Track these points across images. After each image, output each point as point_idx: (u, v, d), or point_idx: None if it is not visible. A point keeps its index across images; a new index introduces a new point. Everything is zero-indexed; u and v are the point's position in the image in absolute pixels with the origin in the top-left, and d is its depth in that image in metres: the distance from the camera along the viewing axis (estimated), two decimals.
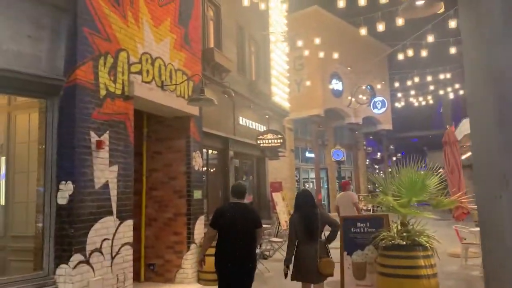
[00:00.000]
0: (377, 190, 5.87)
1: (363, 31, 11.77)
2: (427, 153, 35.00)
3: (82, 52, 5.15)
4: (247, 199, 5.19)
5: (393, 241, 5.00)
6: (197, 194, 7.61)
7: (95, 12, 5.40)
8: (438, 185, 5.05)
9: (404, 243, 4.90)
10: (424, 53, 14.72)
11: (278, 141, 11.35)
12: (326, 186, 24.69)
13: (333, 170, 25.21)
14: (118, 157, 5.65)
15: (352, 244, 5.93)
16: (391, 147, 30.46)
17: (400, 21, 11.20)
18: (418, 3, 4.88)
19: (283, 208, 12.95)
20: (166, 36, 6.98)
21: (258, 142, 11.51)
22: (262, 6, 11.15)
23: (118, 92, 5.75)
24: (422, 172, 4.99)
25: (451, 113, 31.19)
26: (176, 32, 7.30)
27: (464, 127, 14.73)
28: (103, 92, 5.45)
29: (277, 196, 12.94)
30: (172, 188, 7.56)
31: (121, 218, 5.64)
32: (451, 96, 23.52)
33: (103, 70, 5.48)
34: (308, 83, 19.17)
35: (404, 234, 4.95)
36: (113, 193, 5.51)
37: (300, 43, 16.77)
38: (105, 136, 5.42)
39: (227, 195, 10.81)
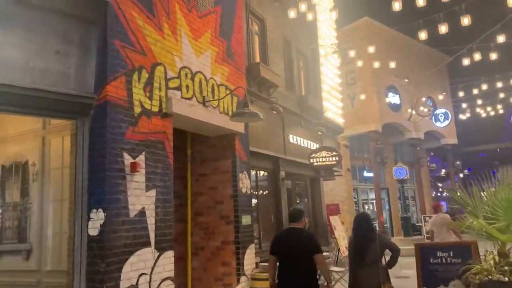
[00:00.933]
0: (460, 211, 4.80)
1: (422, 35, 10.69)
2: (499, 168, 32.02)
3: (113, 67, 4.72)
4: (302, 224, 4.64)
5: (490, 277, 3.92)
6: (246, 220, 6.89)
7: (127, 24, 4.98)
8: None
9: (506, 279, 3.81)
10: (493, 56, 13.25)
11: (334, 158, 10.40)
12: (387, 208, 22.98)
13: (395, 189, 23.50)
14: (156, 181, 5.10)
15: (433, 278, 4.89)
16: (458, 162, 28.05)
17: (466, 21, 10.02)
18: None
19: (342, 233, 11.84)
20: (206, 49, 6.48)
21: (311, 161, 10.64)
22: (310, 16, 10.51)
23: (155, 109, 5.25)
24: None
25: None
26: (218, 45, 6.79)
27: None
28: (137, 110, 4.97)
29: (334, 220, 11.87)
30: (219, 213, 6.91)
31: (161, 249, 5.03)
32: None
33: (137, 86, 5.02)
34: (362, 96, 18.07)
35: (506, 267, 3.86)
36: (151, 221, 4.94)
37: (351, 55, 15.94)
38: (141, 158, 4.90)
39: (279, 220, 9.99)
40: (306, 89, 12.67)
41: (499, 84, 17.50)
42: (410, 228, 17.94)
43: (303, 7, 9.73)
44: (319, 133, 11.71)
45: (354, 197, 21.28)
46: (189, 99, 5.92)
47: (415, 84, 22.16)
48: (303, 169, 11.51)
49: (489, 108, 22.15)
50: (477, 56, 13.08)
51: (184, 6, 6.11)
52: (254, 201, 9.35)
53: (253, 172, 9.40)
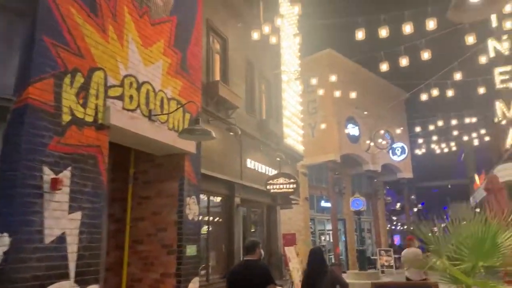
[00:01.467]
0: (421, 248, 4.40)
1: (384, 66, 10.68)
2: (450, 204, 32.84)
3: (40, 66, 4.05)
4: (257, 255, 4.53)
5: None
6: (191, 250, 6.19)
7: (63, 20, 4.36)
8: None
9: None
10: (449, 93, 13.55)
11: (291, 186, 9.95)
12: (344, 239, 22.73)
13: (351, 221, 23.37)
14: (83, 202, 4.37)
15: None
16: (412, 197, 28.52)
17: (426, 55, 10.11)
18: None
19: (296, 265, 11.30)
20: (157, 59, 5.93)
21: (268, 187, 10.14)
22: (273, 40, 10.25)
23: (89, 119, 4.58)
24: (491, 225, 3.56)
25: (475, 162, 29.45)
26: (171, 56, 6.26)
27: (501, 174, 13.17)
28: (66, 118, 4.29)
29: (290, 251, 11.34)
30: (161, 241, 6.17)
31: (83, 283, 4.26)
32: (476, 142, 22.02)
33: (69, 91, 4.35)
34: (323, 126, 17.99)
35: None
36: (72, 248, 4.18)
37: (314, 84, 15.86)
38: (65, 174, 4.18)
39: (231, 249, 9.33)
40: (267, 113, 12.32)
41: (454, 122, 17.98)
42: (365, 262, 17.67)
43: (266, 29, 9.46)
44: (278, 159, 11.29)
45: (311, 227, 20.89)
46: (132, 111, 5.30)
47: (374, 117, 22.51)
48: (259, 196, 10.99)
49: (443, 145, 22.76)
50: (435, 92, 13.33)
51: (135, 11, 5.57)
52: (204, 228, 8.68)
53: (205, 197, 8.78)
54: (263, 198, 11.20)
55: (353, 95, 13.54)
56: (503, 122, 17.12)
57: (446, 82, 13.68)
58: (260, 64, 12.05)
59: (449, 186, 37.76)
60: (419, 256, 7.83)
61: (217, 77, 9.40)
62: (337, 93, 13.38)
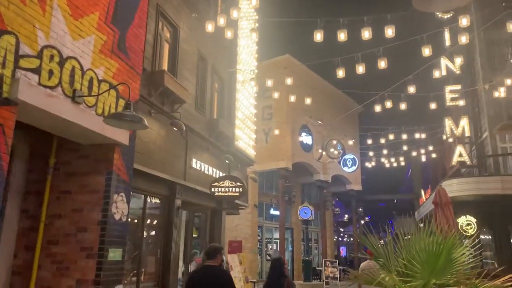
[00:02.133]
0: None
1: (340, 73, 10.43)
2: (395, 218, 33.71)
3: None
4: (218, 261, 4.39)
5: None
6: (115, 254, 5.42)
7: None
8: (470, 261, 3.23)
9: None
10: (402, 106, 13.60)
11: (237, 190, 9.38)
12: (290, 249, 22.45)
13: (299, 230, 23.19)
14: None
15: None
16: (360, 209, 28.90)
17: (382, 64, 9.98)
18: None
19: (239, 274, 10.71)
20: (89, 34, 5.17)
21: (213, 190, 9.49)
22: (229, 34, 9.69)
23: None
24: (446, 239, 3.16)
25: (422, 178, 30.40)
26: (107, 32, 5.51)
27: (447, 189, 13.33)
28: None
29: (232, 259, 10.74)
30: (80, 243, 5.35)
31: None
32: (423, 159, 22.61)
33: None
34: (277, 132, 17.63)
35: None
36: None
37: (270, 90, 15.49)
38: None
39: (168, 256, 8.57)
40: (219, 113, 11.73)
41: (404, 136, 18.24)
42: (310, 272, 17.36)
43: (221, 21, 8.89)
44: (227, 161, 10.69)
45: (259, 235, 20.41)
46: (52, 88, 4.51)
47: (328, 127, 22.57)
48: (204, 199, 10.32)
49: (392, 159, 23.17)
50: (388, 105, 13.32)
51: None
52: (138, 232, 7.89)
53: (141, 197, 8.00)
54: (207, 202, 10.53)
55: (308, 101, 13.24)
56: (450, 139, 17.59)
57: (400, 95, 13.75)
58: (214, 61, 11.45)
59: (395, 201, 38.84)
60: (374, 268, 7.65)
61: (165, 67, 8.69)
62: (292, 98, 12.99)
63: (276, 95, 12.98)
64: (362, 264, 9.01)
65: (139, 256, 7.77)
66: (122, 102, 5.69)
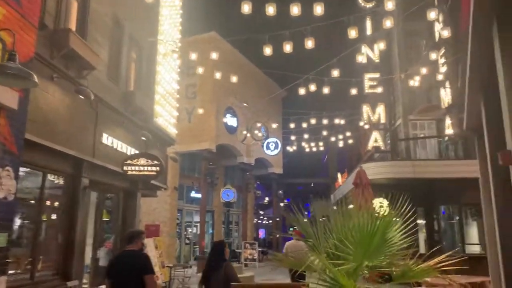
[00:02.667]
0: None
1: (267, 50, 10.04)
2: (312, 201, 35.07)
3: None
4: (138, 245, 4.35)
5: None
6: None
7: None
8: (406, 239, 2.99)
9: None
10: (325, 90, 13.68)
11: (154, 169, 8.61)
12: (210, 232, 22.08)
13: (220, 213, 22.89)
14: None
15: None
16: (280, 192, 29.42)
17: (310, 43, 9.77)
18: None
19: (154, 259, 10.00)
20: None
21: (125, 168, 8.60)
22: None
23: None
24: (382, 216, 2.88)
25: (337, 162, 31.72)
26: None
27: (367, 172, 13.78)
28: None
29: (148, 243, 9.98)
30: None
31: None
32: (341, 144, 23.45)
33: None
34: (201, 111, 16.91)
35: None
36: None
37: (194, 68, 14.73)
38: None
39: (72, 241, 7.61)
40: (136, 85, 10.73)
41: (325, 122, 18.61)
42: (230, 255, 17.12)
43: None
44: (143, 138, 9.82)
45: (178, 219, 19.71)
46: None
47: (253, 110, 22.35)
48: (117, 179, 9.38)
49: (312, 144, 23.71)
50: (312, 88, 13.27)
51: None
52: (37, 214, 6.85)
53: (39, 175, 6.93)
54: (120, 182, 9.61)
55: (234, 79, 12.70)
56: (366, 126, 18.30)
57: (323, 80, 13.81)
58: (132, 28, 10.39)
59: (312, 185, 40.31)
60: (302, 249, 7.55)
61: (72, 26, 7.56)
62: (218, 75, 12.36)
63: (200, 70, 12.24)
64: (287, 243, 8.97)
65: (35, 242, 6.74)
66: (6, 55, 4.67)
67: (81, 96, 6.79)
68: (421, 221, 14.75)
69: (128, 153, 9.63)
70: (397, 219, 2.89)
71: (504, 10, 3.55)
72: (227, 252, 4.89)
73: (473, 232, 14.78)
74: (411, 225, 2.92)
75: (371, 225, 2.79)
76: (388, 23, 9.14)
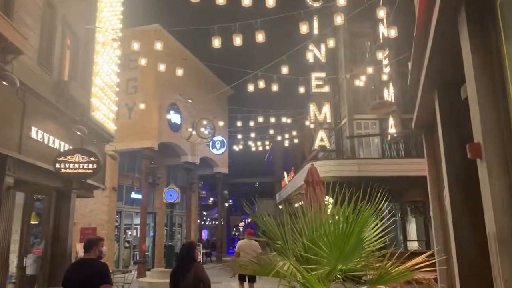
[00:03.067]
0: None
1: (216, 42, 9.60)
2: (258, 201, 34.88)
3: None
4: (95, 254, 4.19)
5: None
6: None
7: None
8: (380, 240, 2.70)
9: None
10: (274, 87, 13.47)
11: (91, 166, 7.80)
12: (152, 234, 21.09)
13: (162, 215, 21.95)
14: None
15: None
16: (225, 192, 28.97)
17: (260, 37, 9.46)
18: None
19: None
20: None
21: (58, 165, 7.72)
22: None
23: None
24: (362, 214, 2.56)
25: (283, 162, 31.91)
26: None
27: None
28: None
29: (82, 248, 9.10)
30: None
31: None
32: (286, 143, 23.51)
33: None
34: (142, 106, 15.99)
35: None
36: None
37: (135, 61, 13.85)
38: None
39: None
40: (71, 75, 9.78)
41: (272, 120, 18.48)
42: (173, 258, 16.35)
43: None
44: (78, 133, 8.92)
45: (117, 221, 18.56)
46: None
47: (198, 108, 21.69)
48: (48, 178, 8.42)
49: (259, 143, 23.56)
50: (261, 84, 12.99)
51: None
52: None
53: None
54: (53, 182, 8.64)
55: (179, 72, 12.07)
56: (312, 125, 18.40)
57: (271, 77, 13.58)
58: (67, 11, 9.46)
59: (256, 185, 40.23)
60: (256, 248, 7.86)
61: None
62: (162, 67, 11.68)
63: (143, 61, 11.48)
64: (239, 242, 8.66)
65: None
66: None
67: (4, 83, 5.90)
68: None
69: (62, 150, 8.70)
70: (373, 217, 2.59)
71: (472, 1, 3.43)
72: (197, 253, 4.69)
73: (412, 229, 15.35)
74: (388, 222, 2.63)
75: (347, 225, 2.47)
76: (338, 19, 9.07)
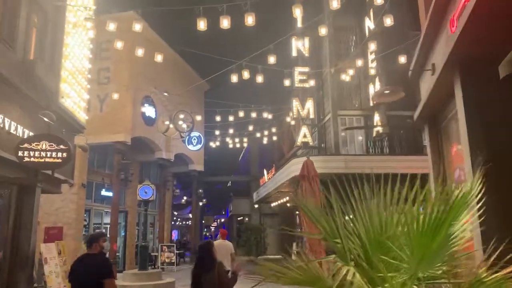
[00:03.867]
0: None
1: (201, 24, 8.82)
2: (232, 200, 34.04)
3: None
4: (96, 249, 4.35)
5: None
6: None
7: None
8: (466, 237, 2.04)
9: None
10: (252, 82, 12.70)
11: (60, 155, 6.82)
12: (123, 233, 19.93)
13: (134, 213, 20.82)
14: None
15: None
16: (200, 190, 28.02)
17: (250, 20, 8.73)
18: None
19: (56, 268, 8.17)
20: None
21: (21, 154, 6.70)
22: None
23: None
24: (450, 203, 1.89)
25: (259, 159, 31.25)
26: None
27: (293, 168, 13.17)
28: None
29: (48, 249, 8.10)
30: None
31: None
32: (264, 140, 22.84)
33: None
34: (115, 96, 14.90)
35: None
36: None
37: (107, 50, 12.77)
38: None
39: None
40: (37, 55, 8.72)
41: (253, 115, 17.76)
42: (147, 259, 15.29)
43: None
44: (45, 119, 7.89)
45: (85, 220, 17.34)
46: None
47: (174, 102, 20.66)
48: (8, 169, 7.39)
49: (236, 140, 22.78)
50: (235, 79, 12.10)
51: None
52: None
53: None
54: (13, 173, 7.60)
55: (158, 58, 11.17)
56: (292, 122, 17.83)
57: (252, 68, 12.79)
58: None
59: (229, 184, 39.29)
60: (230, 249, 8.14)
61: None
62: (140, 52, 10.75)
63: (119, 44, 10.51)
64: (214, 242, 8.40)
65: None
66: None
67: None
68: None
69: (24, 137, 7.65)
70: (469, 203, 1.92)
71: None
72: (215, 252, 4.77)
73: None
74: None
75: (436, 216, 1.78)
76: (334, 4, 8.44)
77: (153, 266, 18.34)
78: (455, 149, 6.35)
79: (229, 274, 4.90)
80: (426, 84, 6.84)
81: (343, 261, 1.86)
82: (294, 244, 17.57)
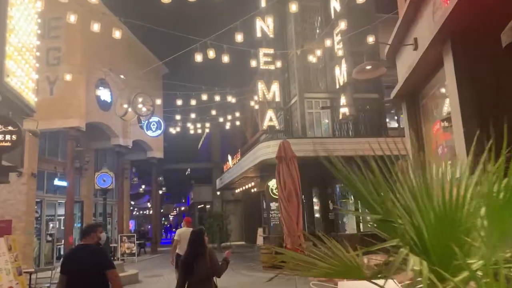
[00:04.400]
0: None
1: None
2: (194, 187, 33.28)
3: None
4: (93, 239, 4.14)
5: None
6: None
7: None
8: None
9: None
10: (225, 58, 12.06)
11: (8, 137, 6.01)
12: (79, 225, 18.83)
13: (90, 203, 19.73)
14: None
15: None
16: (160, 178, 27.10)
17: None
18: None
19: (6, 265, 7.35)
20: None
21: None
22: None
23: None
24: None
25: (220, 145, 30.69)
26: None
27: (261, 152, 12.82)
28: None
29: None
30: None
31: None
32: (227, 126, 22.32)
33: None
34: (68, 77, 13.76)
35: None
36: None
37: (57, 28, 11.55)
38: None
39: None
40: None
41: (217, 98, 17.16)
42: (108, 252, 14.52)
43: None
44: None
45: (37, 212, 16.13)
46: None
47: (131, 85, 19.57)
48: None
49: (198, 125, 22.11)
50: (198, 58, 11.43)
51: None
52: None
53: None
54: None
55: (116, 34, 10.31)
56: (256, 107, 17.42)
57: (214, 50, 12.06)
58: None
59: (189, 171, 38.44)
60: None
61: None
62: (96, 26, 9.86)
63: (72, 18, 9.56)
64: (178, 230, 8.59)
65: None
66: None
67: None
68: (316, 201, 14.49)
69: None
70: None
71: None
72: (206, 239, 4.68)
73: None
74: None
75: None
76: None
77: (113, 258, 17.50)
78: (437, 127, 6.21)
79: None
80: (406, 61, 6.64)
81: (405, 247, 1.47)
82: (260, 230, 17.34)
